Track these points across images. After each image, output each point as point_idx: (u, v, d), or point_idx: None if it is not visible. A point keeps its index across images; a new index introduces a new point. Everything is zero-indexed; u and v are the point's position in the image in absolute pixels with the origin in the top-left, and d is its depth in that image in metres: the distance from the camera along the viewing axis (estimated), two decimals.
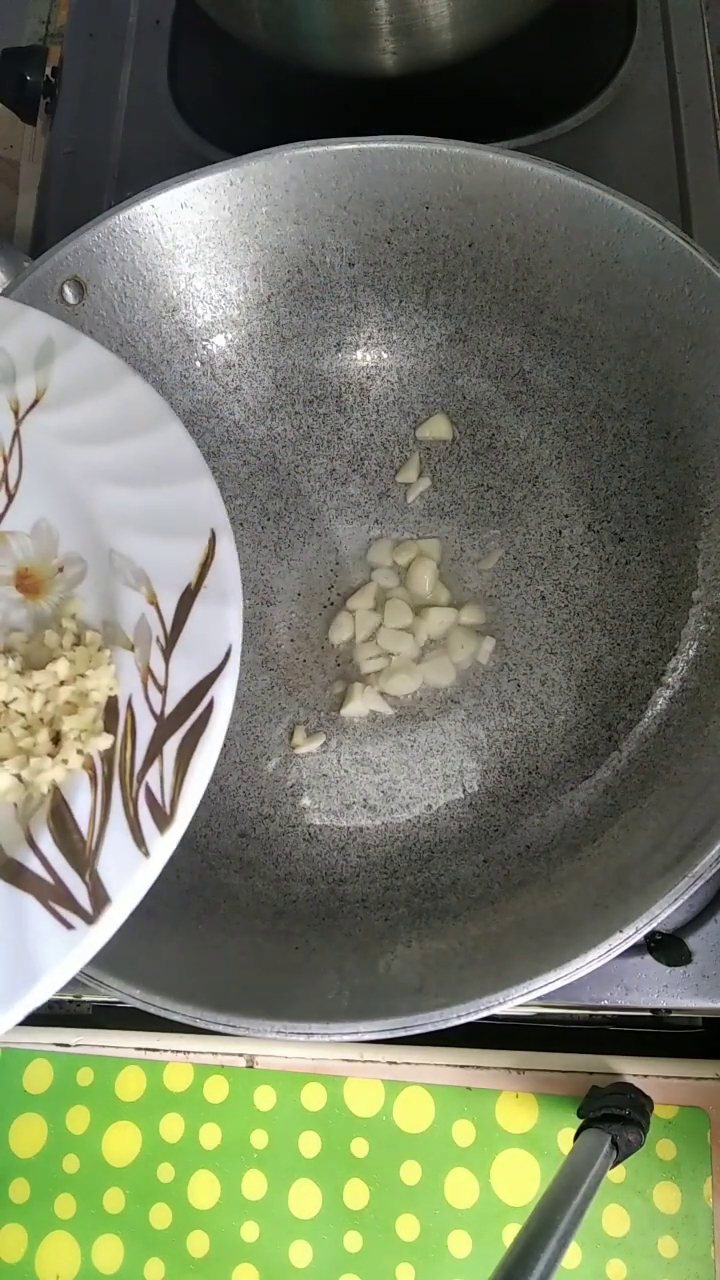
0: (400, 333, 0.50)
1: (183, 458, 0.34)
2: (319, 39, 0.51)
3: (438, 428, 0.50)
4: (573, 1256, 0.44)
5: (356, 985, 0.37)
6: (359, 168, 0.44)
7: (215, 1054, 0.48)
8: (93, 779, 0.29)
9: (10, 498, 0.35)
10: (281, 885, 0.43)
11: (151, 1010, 0.34)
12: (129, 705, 0.30)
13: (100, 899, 0.27)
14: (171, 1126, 0.48)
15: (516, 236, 0.44)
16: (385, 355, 0.50)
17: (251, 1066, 0.48)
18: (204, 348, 0.49)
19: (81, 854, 0.28)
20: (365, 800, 0.45)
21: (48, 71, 0.63)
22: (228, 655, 0.30)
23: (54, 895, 0.27)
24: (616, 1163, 0.39)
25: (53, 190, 0.60)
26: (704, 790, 0.37)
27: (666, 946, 0.42)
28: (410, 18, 0.49)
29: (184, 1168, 0.48)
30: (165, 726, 0.29)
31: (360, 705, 0.46)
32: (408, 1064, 0.47)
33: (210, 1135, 0.48)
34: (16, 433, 0.35)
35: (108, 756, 0.29)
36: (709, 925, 0.42)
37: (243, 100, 0.60)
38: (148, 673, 0.30)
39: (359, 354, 0.50)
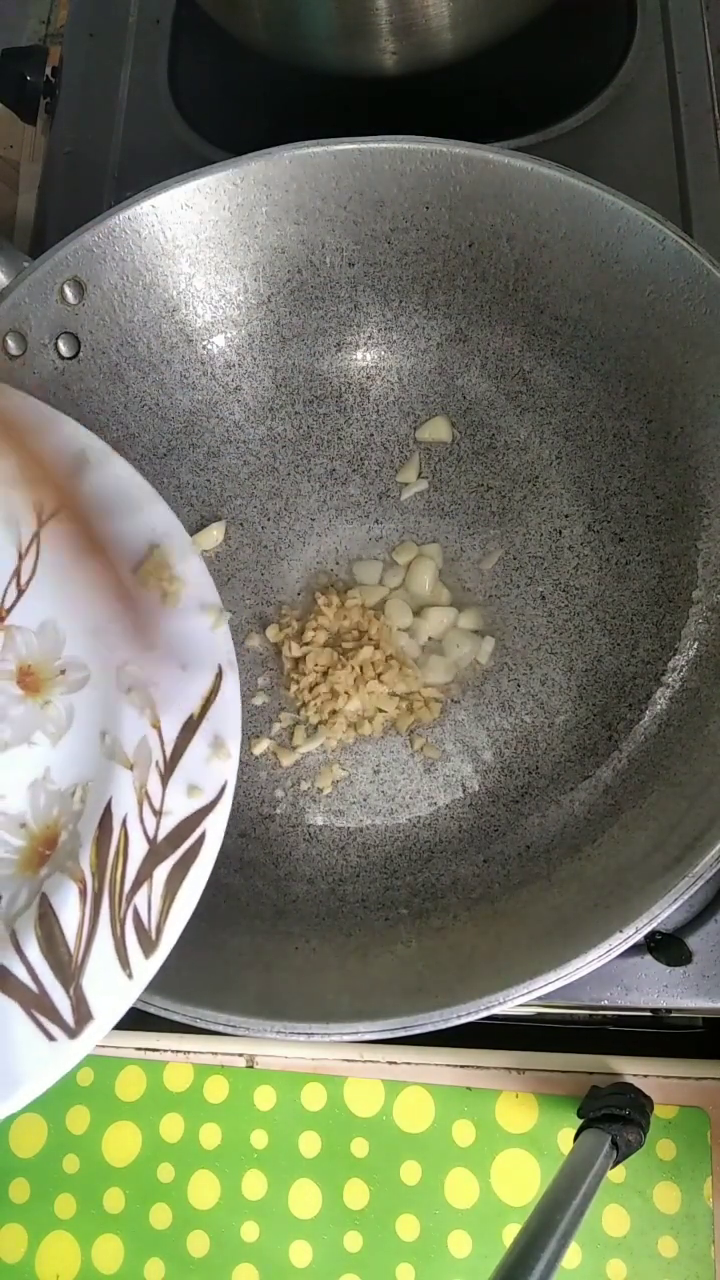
0: (400, 333, 0.50)
1: (201, 592, 0.35)
2: (319, 39, 0.51)
3: (437, 430, 0.50)
4: (573, 1256, 0.44)
5: (356, 985, 0.37)
6: (359, 168, 0.44)
7: (215, 1054, 0.48)
8: (82, 893, 0.30)
9: (20, 593, 0.35)
10: (281, 885, 0.43)
11: (151, 1010, 0.34)
12: (124, 824, 0.31)
13: (83, 1014, 0.28)
14: (171, 1126, 0.48)
15: (516, 236, 0.44)
16: (385, 355, 0.50)
17: (251, 1066, 0.48)
18: (204, 348, 0.49)
19: (67, 967, 0.29)
20: (365, 800, 0.45)
21: (48, 71, 0.63)
22: (222, 791, 0.31)
23: (38, 1005, 0.28)
24: (616, 1163, 0.39)
25: (53, 190, 0.60)
26: (704, 790, 0.37)
27: (666, 946, 0.41)
28: (410, 18, 0.49)
29: (184, 1168, 0.47)
30: (157, 851, 0.30)
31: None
32: (408, 1064, 0.47)
33: (210, 1135, 0.48)
34: (37, 534, 0.36)
35: (99, 872, 0.30)
36: (709, 925, 0.42)
37: (243, 100, 0.60)
38: (144, 795, 0.31)
39: (359, 354, 0.50)
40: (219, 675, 0.33)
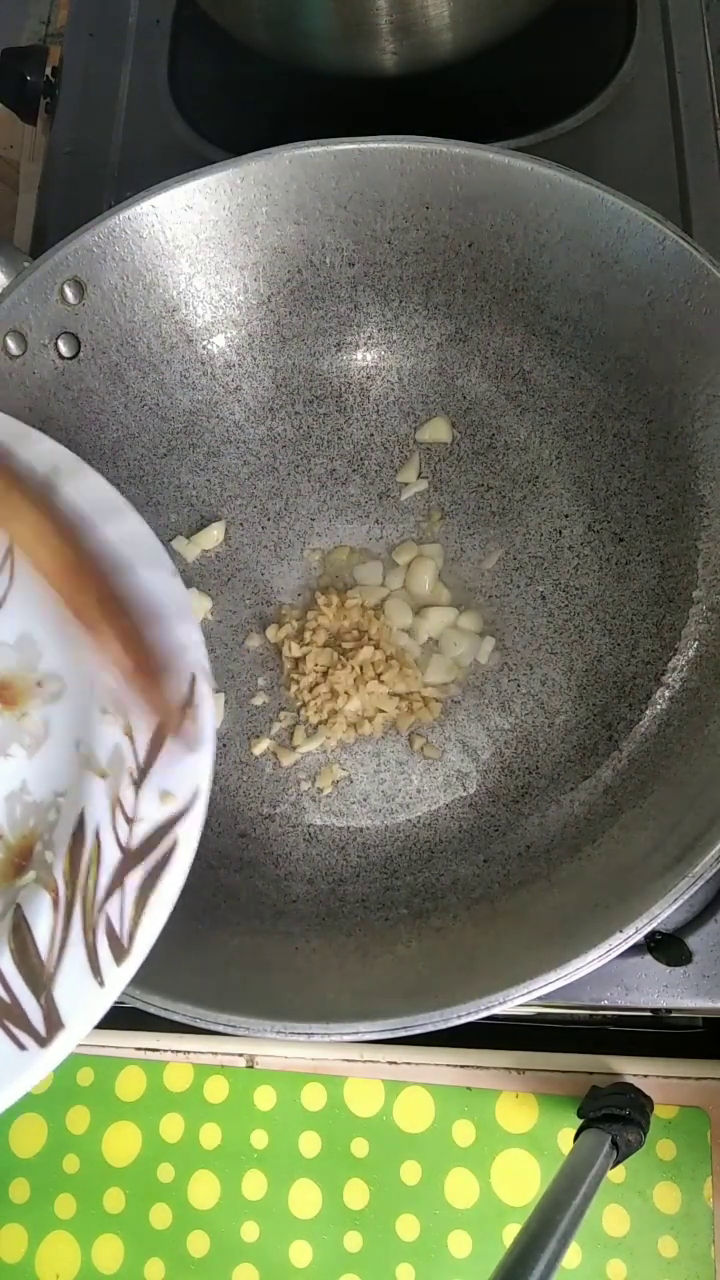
0: (400, 333, 0.50)
1: (172, 599, 0.34)
2: (319, 39, 0.51)
3: (437, 430, 0.50)
4: (573, 1256, 0.44)
5: (356, 985, 0.37)
6: (359, 168, 0.44)
7: (215, 1054, 0.48)
8: (55, 902, 0.30)
9: None
10: (281, 885, 0.43)
11: (151, 1010, 0.34)
12: (97, 832, 0.31)
13: (54, 1023, 0.28)
14: (171, 1126, 0.48)
15: (516, 236, 0.44)
16: (385, 355, 0.50)
17: (251, 1066, 0.48)
18: (204, 348, 0.49)
19: (39, 976, 0.29)
20: (365, 800, 0.45)
21: (48, 71, 0.63)
22: (195, 797, 0.31)
23: (9, 1014, 0.28)
24: (616, 1163, 0.39)
25: (53, 190, 0.60)
26: (704, 790, 0.37)
27: (666, 946, 0.42)
28: (410, 18, 0.49)
29: (184, 1168, 0.48)
30: (130, 859, 0.30)
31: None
32: (408, 1064, 0.47)
33: (210, 1135, 0.48)
34: (11, 548, 0.36)
35: (71, 881, 0.30)
36: (709, 925, 0.42)
37: (243, 100, 0.60)
38: (117, 803, 0.31)
39: (359, 354, 0.50)
40: (193, 682, 0.33)
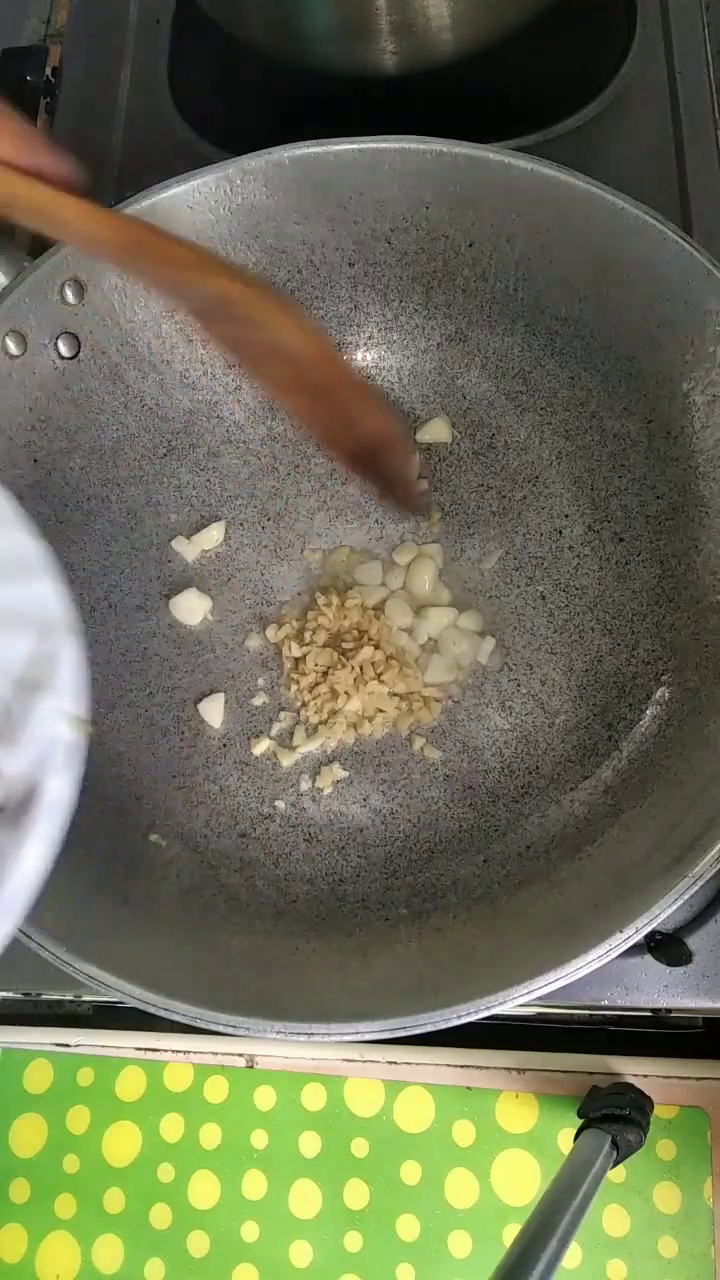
0: (400, 333, 0.50)
1: (26, 557, 0.34)
2: (319, 39, 0.52)
3: (437, 431, 0.50)
4: (573, 1256, 0.44)
5: (356, 985, 0.37)
6: (359, 168, 0.44)
7: (215, 1054, 0.48)
8: None
9: None
10: (281, 885, 0.43)
11: (151, 1010, 0.34)
12: None
13: None
14: (171, 1126, 0.48)
15: (517, 236, 0.44)
16: (385, 355, 0.50)
17: (251, 1066, 0.48)
18: (204, 348, 0.49)
19: None
20: (365, 800, 0.45)
21: (48, 71, 0.63)
22: (56, 751, 0.31)
23: None
24: (616, 1163, 0.39)
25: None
26: (704, 790, 0.37)
27: (666, 946, 0.41)
28: (410, 18, 0.49)
29: (184, 1168, 0.48)
30: None
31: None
32: (408, 1064, 0.47)
33: (210, 1135, 0.48)
34: None
35: None
36: (709, 925, 0.42)
37: (243, 100, 0.60)
38: None
39: (359, 354, 0.50)
40: (49, 634, 0.33)
